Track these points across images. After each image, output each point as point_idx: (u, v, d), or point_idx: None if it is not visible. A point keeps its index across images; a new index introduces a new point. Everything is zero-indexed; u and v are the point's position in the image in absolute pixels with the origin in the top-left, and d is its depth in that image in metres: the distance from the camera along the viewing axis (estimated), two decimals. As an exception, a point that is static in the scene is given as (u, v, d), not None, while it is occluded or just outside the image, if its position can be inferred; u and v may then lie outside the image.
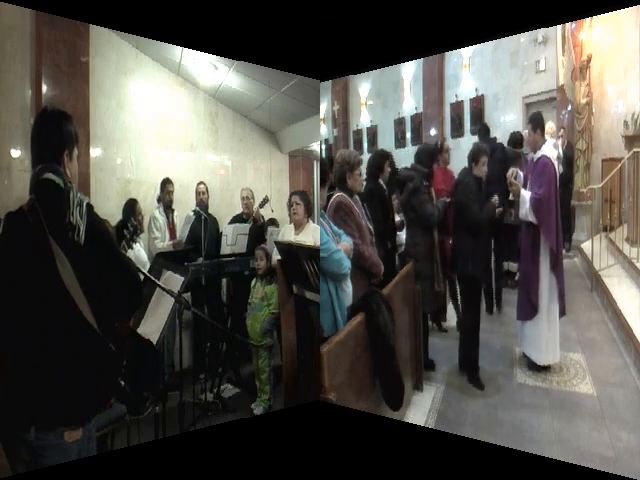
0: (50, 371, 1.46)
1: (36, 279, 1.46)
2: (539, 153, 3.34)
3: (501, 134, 4.95)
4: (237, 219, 4.30)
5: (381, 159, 3.75)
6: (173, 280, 2.73)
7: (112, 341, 1.54)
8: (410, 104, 7.98)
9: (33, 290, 1.46)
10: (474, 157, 3.51)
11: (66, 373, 1.47)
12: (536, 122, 3.37)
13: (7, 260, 1.49)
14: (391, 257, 3.72)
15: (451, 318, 4.25)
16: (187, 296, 3.35)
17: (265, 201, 4.22)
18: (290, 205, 3.69)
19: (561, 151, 4.90)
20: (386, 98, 8.38)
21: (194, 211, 4.10)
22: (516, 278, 4.02)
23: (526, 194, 3.32)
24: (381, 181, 3.72)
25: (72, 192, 1.51)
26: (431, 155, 3.78)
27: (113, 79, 4.12)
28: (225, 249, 4.00)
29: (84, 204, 1.51)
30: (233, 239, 4.00)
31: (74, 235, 1.46)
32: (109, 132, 4.06)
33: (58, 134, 1.63)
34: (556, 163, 3.42)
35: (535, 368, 3.41)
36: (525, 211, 3.31)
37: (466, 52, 7.05)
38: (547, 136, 3.49)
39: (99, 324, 1.50)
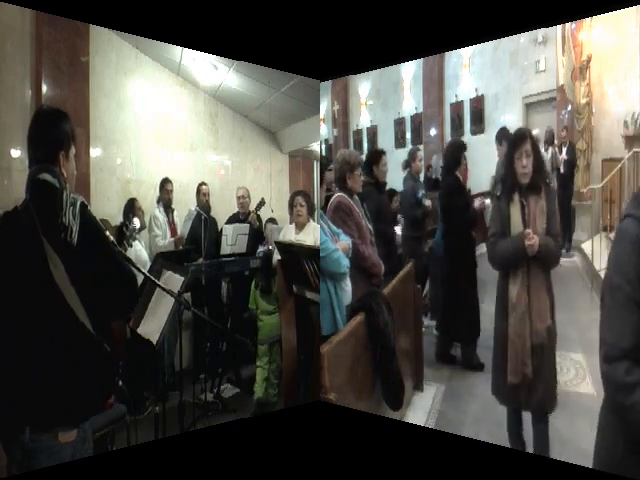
0: (43, 372, 1.45)
1: (29, 279, 1.45)
2: None
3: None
4: (233, 219, 4.29)
5: (460, 150, 3.61)
6: (173, 280, 2.72)
7: (107, 342, 1.53)
8: (410, 104, 7.96)
9: (26, 291, 1.45)
10: None
11: (60, 374, 1.46)
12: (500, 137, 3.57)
13: (1, 260, 1.49)
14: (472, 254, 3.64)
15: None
16: (187, 296, 3.35)
17: (261, 204, 4.20)
18: (293, 205, 3.68)
19: (565, 152, 4.91)
20: (386, 98, 8.36)
21: (195, 209, 4.10)
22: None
23: None
24: (458, 174, 3.60)
25: (65, 192, 1.49)
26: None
27: (113, 79, 4.11)
28: (225, 249, 3.99)
29: (77, 204, 1.49)
30: (233, 239, 3.99)
31: (67, 236, 1.45)
32: (109, 132, 4.05)
33: (54, 133, 1.61)
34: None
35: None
36: None
37: (466, 52, 7.03)
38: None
39: (94, 325, 1.49)
